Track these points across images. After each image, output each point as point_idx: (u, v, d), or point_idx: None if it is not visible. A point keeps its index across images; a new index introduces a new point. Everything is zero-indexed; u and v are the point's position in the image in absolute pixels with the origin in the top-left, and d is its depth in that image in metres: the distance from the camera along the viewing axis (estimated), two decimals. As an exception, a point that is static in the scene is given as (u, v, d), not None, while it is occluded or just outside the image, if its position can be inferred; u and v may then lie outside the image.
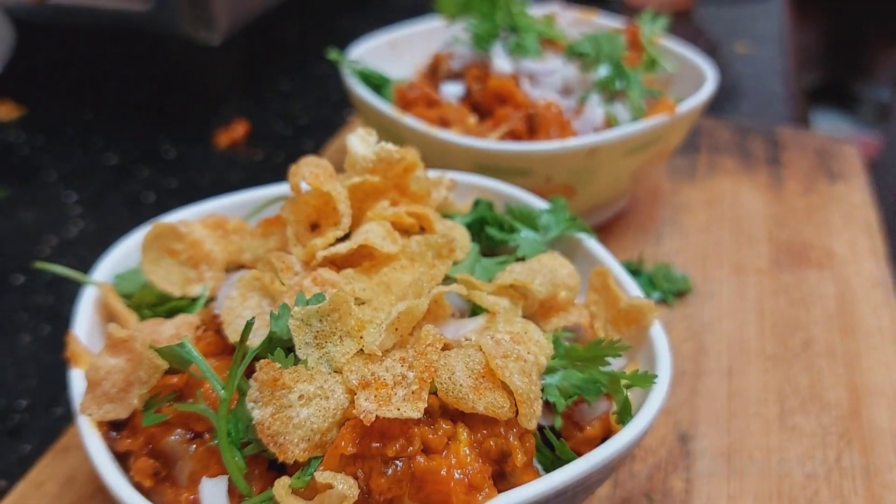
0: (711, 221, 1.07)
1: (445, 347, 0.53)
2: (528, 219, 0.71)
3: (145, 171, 1.22)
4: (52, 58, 1.51)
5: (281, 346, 0.51)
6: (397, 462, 0.46)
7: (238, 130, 1.31)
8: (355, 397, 0.48)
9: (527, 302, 0.61)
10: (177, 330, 0.55)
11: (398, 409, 0.46)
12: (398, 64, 1.11)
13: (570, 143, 0.86)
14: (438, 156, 0.87)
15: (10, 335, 0.90)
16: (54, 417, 0.79)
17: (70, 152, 1.26)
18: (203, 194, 0.78)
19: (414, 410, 0.46)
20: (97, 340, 0.61)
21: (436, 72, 1.01)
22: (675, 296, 0.92)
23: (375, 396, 0.47)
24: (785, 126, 1.31)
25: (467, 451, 0.48)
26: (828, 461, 0.74)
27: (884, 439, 0.76)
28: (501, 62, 0.95)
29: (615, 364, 0.59)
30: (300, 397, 0.48)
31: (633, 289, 0.65)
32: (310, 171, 0.60)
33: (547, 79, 0.95)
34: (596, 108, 0.93)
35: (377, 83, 1.01)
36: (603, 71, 0.95)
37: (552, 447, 0.55)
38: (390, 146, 0.64)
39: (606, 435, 0.57)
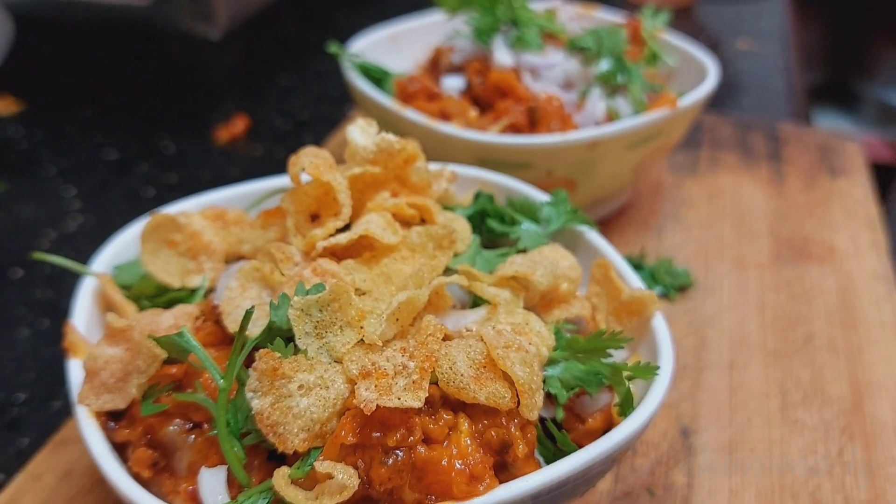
0: (713, 216, 1.07)
1: (446, 338, 0.52)
2: (529, 211, 0.71)
3: (145, 165, 1.22)
4: (52, 53, 1.51)
5: (281, 336, 0.51)
6: (398, 452, 0.46)
7: (238, 126, 1.30)
8: (356, 387, 0.47)
9: (528, 294, 0.60)
10: (175, 320, 0.55)
11: (399, 399, 0.46)
12: (399, 58, 1.11)
13: (572, 136, 0.86)
14: (439, 149, 0.86)
15: (8, 329, 0.90)
16: (52, 411, 0.79)
17: (69, 147, 1.26)
18: (202, 189, 0.77)
19: (415, 400, 0.46)
20: (96, 331, 0.61)
21: (436, 65, 1.01)
22: (676, 290, 0.92)
23: (376, 386, 0.47)
24: (786, 122, 1.31)
25: (468, 442, 0.48)
26: (830, 455, 0.73)
27: (886, 433, 0.75)
28: (502, 56, 0.94)
29: (617, 356, 0.59)
30: (300, 387, 0.47)
31: (634, 281, 0.65)
32: (310, 161, 0.60)
33: (548, 72, 0.95)
34: (597, 102, 0.92)
35: (378, 77, 1.01)
36: (604, 65, 0.95)
37: (553, 439, 0.54)
38: (391, 137, 0.63)
39: (608, 427, 0.57)
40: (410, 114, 0.90)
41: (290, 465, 0.47)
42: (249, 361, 0.50)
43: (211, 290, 0.62)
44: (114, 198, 1.14)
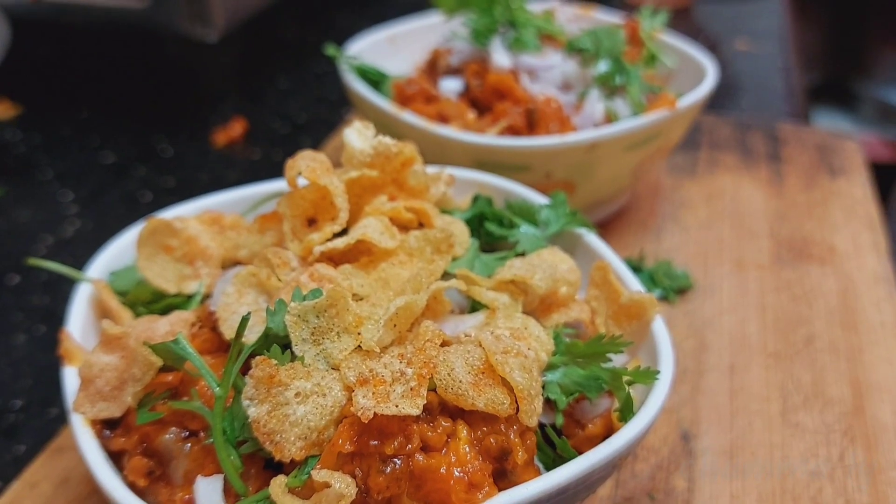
0: (712, 218, 1.06)
1: (444, 343, 0.52)
2: (527, 214, 0.70)
3: (142, 169, 1.21)
4: (49, 56, 1.51)
5: (277, 342, 0.50)
6: (396, 460, 0.45)
7: (236, 129, 1.30)
8: (353, 394, 0.47)
9: (527, 298, 0.60)
10: (171, 327, 0.54)
11: (396, 406, 0.45)
12: (396, 60, 1.10)
13: (570, 138, 0.85)
14: (437, 152, 0.86)
15: (5, 335, 0.89)
16: (49, 418, 0.78)
17: (66, 151, 1.25)
18: (200, 193, 0.77)
19: (413, 407, 0.45)
20: (92, 338, 0.60)
21: (434, 67, 1.01)
22: (675, 292, 0.91)
23: (373, 393, 0.47)
24: (785, 122, 1.31)
25: (467, 449, 0.47)
26: (831, 459, 0.73)
27: (887, 436, 0.75)
28: (500, 57, 0.94)
29: (616, 360, 0.58)
30: (297, 395, 0.47)
31: (634, 284, 0.64)
32: (306, 165, 0.59)
33: (546, 74, 0.94)
34: (596, 104, 0.92)
35: (375, 79, 1.00)
36: (603, 66, 0.95)
37: (553, 445, 0.54)
38: (388, 140, 0.63)
39: (608, 432, 0.56)
40: (408, 116, 0.89)
41: (287, 474, 0.47)
42: (246, 368, 0.49)
43: (207, 296, 0.61)
44: (111, 202, 1.14)
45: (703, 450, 0.73)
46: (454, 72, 0.98)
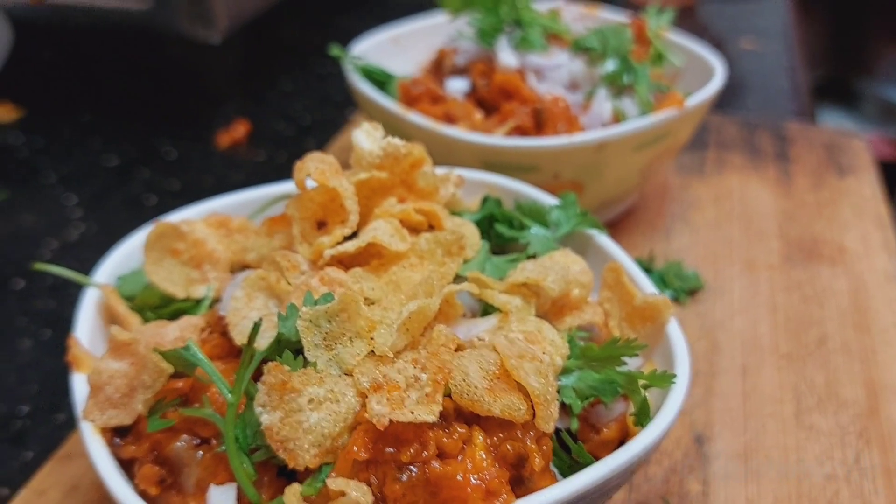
0: (721, 218, 1.06)
1: (458, 348, 0.51)
2: (537, 215, 0.70)
3: (146, 172, 1.21)
4: (51, 58, 1.50)
5: (289, 348, 0.49)
6: (412, 467, 0.45)
7: (239, 130, 1.29)
8: (367, 400, 0.46)
9: (539, 300, 0.59)
10: (181, 332, 0.54)
11: (412, 413, 0.44)
12: (401, 60, 1.10)
13: (579, 138, 0.85)
14: (444, 152, 0.85)
15: (10, 340, 0.88)
16: (56, 424, 0.78)
17: (69, 154, 1.25)
18: (205, 195, 0.76)
19: (428, 414, 0.44)
20: (99, 344, 0.60)
21: (440, 67, 1.00)
22: (686, 294, 0.91)
23: (388, 399, 0.46)
24: (792, 121, 1.30)
25: (483, 456, 0.46)
26: (847, 461, 0.72)
27: (903, 438, 0.74)
28: (507, 57, 0.93)
29: (631, 363, 0.58)
30: (310, 401, 0.46)
31: (647, 285, 0.63)
32: (315, 167, 0.58)
33: (553, 73, 0.93)
34: (603, 103, 0.91)
35: (381, 80, 1.00)
36: (610, 65, 0.94)
37: (569, 450, 0.53)
38: (397, 141, 0.62)
39: (623, 437, 0.56)
40: (415, 117, 0.89)
41: (301, 482, 0.46)
42: (257, 375, 0.48)
43: (216, 300, 0.61)
44: (115, 205, 1.13)
45: (716, 453, 0.72)
46: (460, 72, 0.98)
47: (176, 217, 0.68)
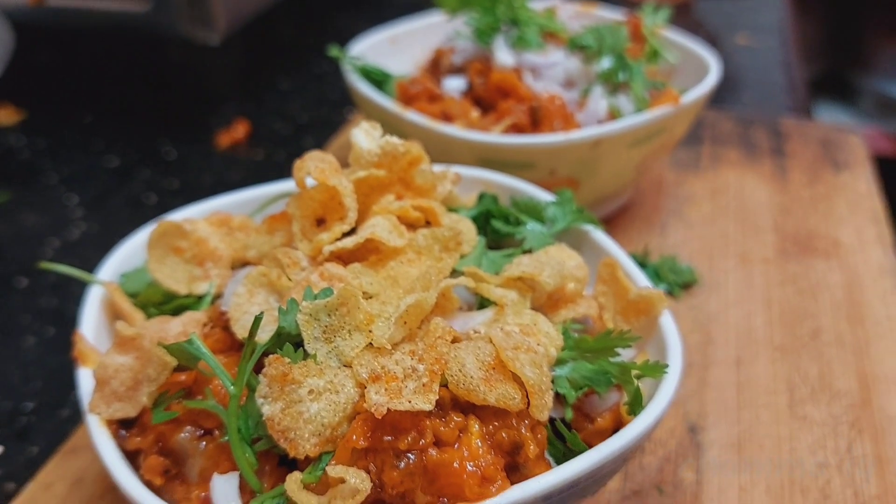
0: (716, 212, 1.07)
1: (454, 340, 0.52)
2: (534, 211, 0.71)
3: (146, 172, 1.22)
4: (51, 60, 1.51)
5: (289, 341, 0.51)
6: (409, 455, 0.46)
7: (238, 130, 1.31)
8: (365, 391, 0.47)
9: (535, 294, 0.60)
10: (184, 327, 0.55)
11: (409, 402, 0.46)
12: (398, 60, 1.11)
13: (574, 135, 0.86)
14: (441, 150, 0.86)
15: (14, 337, 0.90)
16: (61, 419, 0.79)
17: (71, 155, 1.26)
18: (205, 195, 0.77)
19: (425, 403, 0.46)
20: (104, 340, 0.61)
21: (437, 66, 1.01)
22: (681, 287, 0.92)
23: (386, 390, 0.47)
24: (787, 117, 1.31)
25: (479, 444, 0.48)
26: (839, 451, 0.73)
27: (894, 427, 0.75)
28: (503, 55, 0.94)
29: (624, 355, 0.59)
30: (310, 392, 0.47)
31: (641, 279, 0.64)
32: (315, 166, 0.60)
33: (549, 72, 0.95)
34: (599, 101, 0.92)
35: (378, 79, 1.01)
36: (606, 63, 0.95)
37: (563, 439, 0.54)
38: (395, 140, 0.63)
39: (617, 426, 0.57)
40: (412, 116, 0.90)
41: (301, 471, 0.47)
42: (258, 367, 0.50)
43: (218, 297, 0.62)
44: (116, 205, 1.14)
45: (710, 442, 0.74)
46: (457, 71, 0.99)
47: (178, 216, 0.69)
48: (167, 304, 0.63)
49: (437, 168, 0.68)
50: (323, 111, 1.40)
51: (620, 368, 0.56)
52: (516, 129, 0.90)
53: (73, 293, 0.96)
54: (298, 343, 0.51)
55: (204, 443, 0.50)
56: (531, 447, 0.49)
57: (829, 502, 0.68)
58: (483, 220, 0.70)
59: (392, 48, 1.12)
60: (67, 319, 0.93)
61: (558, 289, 0.62)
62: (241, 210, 0.72)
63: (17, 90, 1.37)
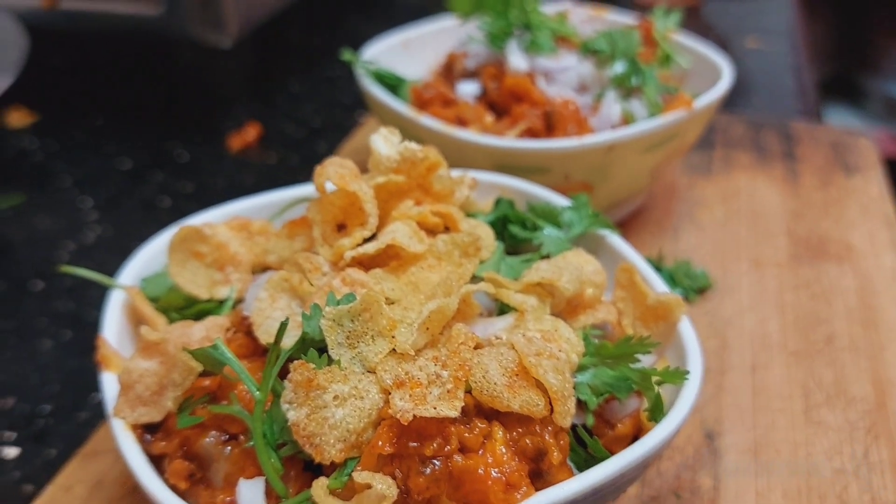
0: (728, 217, 1.07)
1: (477, 346, 0.53)
2: (550, 216, 0.71)
3: (159, 175, 1.22)
4: (63, 63, 1.52)
5: (313, 346, 0.51)
6: (435, 461, 0.46)
7: (250, 133, 1.31)
8: (390, 397, 0.48)
9: (554, 300, 0.61)
10: (207, 332, 0.55)
11: (435, 408, 0.46)
12: (411, 64, 1.11)
13: (589, 139, 0.86)
14: (456, 155, 0.86)
15: (31, 341, 0.90)
16: (79, 422, 0.80)
17: (84, 158, 1.26)
18: (218, 197, 0.78)
19: (451, 409, 0.46)
20: (126, 344, 0.61)
21: (450, 71, 1.01)
22: (695, 292, 0.92)
23: (410, 396, 0.47)
24: (798, 120, 1.31)
25: (503, 450, 0.48)
26: (856, 456, 0.73)
27: (911, 433, 0.75)
28: (517, 60, 0.95)
29: (644, 361, 0.59)
30: (335, 398, 0.48)
31: (659, 285, 0.65)
32: (335, 172, 0.60)
33: (562, 76, 0.95)
34: (612, 105, 0.92)
35: (392, 83, 1.01)
36: (618, 67, 0.95)
37: (584, 445, 0.55)
38: (414, 145, 0.64)
39: (637, 432, 0.57)
40: (427, 120, 0.90)
41: (326, 476, 0.48)
42: (283, 373, 0.50)
43: (239, 301, 0.62)
44: (130, 208, 1.15)
45: (727, 448, 0.74)
46: (470, 75, 0.99)
47: (197, 220, 0.69)
48: (188, 308, 0.63)
49: (455, 173, 0.68)
50: (335, 115, 1.40)
51: (641, 375, 0.56)
52: (530, 133, 0.90)
53: (89, 297, 0.97)
54: (322, 349, 0.51)
55: (229, 448, 0.51)
56: (555, 453, 0.49)
57: (846, 508, 0.68)
58: (500, 226, 0.71)
59: (404, 52, 1.12)
60: (84, 323, 0.93)
61: (577, 294, 0.62)
62: (259, 214, 0.72)
63: (29, 93, 1.37)
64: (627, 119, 0.93)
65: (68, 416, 0.80)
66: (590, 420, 0.55)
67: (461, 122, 0.91)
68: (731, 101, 1.37)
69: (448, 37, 1.12)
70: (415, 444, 0.46)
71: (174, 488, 0.50)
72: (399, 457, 0.47)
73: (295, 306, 0.57)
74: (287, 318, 0.50)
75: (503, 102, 0.94)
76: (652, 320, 0.62)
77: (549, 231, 0.69)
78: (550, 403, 0.50)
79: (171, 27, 1.29)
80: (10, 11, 1.25)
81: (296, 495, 0.48)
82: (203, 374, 0.53)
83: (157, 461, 0.53)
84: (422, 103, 0.96)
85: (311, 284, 0.57)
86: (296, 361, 0.49)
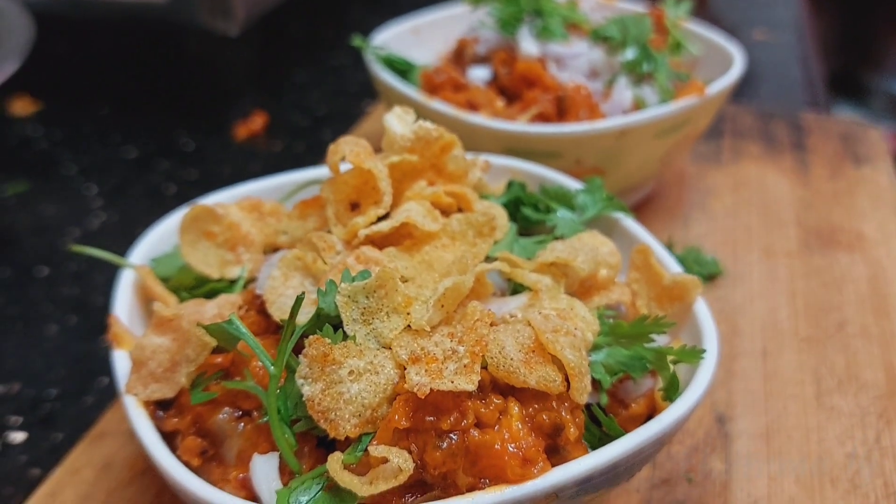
0: (739, 205, 1.06)
1: (492, 324, 0.52)
2: (563, 199, 0.71)
3: (165, 163, 1.22)
4: (68, 51, 1.51)
5: (328, 322, 0.50)
6: (451, 436, 0.46)
7: (256, 122, 1.30)
8: (406, 372, 0.47)
9: (568, 280, 0.60)
10: (219, 309, 0.55)
11: (452, 382, 0.45)
12: (421, 50, 1.11)
13: (601, 124, 0.85)
14: (467, 140, 0.85)
15: (37, 326, 0.90)
16: (85, 406, 0.79)
17: (89, 146, 1.26)
18: (224, 185, 0.77)
19: (468, 383, 0.46)
20: (136, 323, 0.61)
21: (461, 56, 1.01)
22: (705, 279, 0.91)
23: (426, 371, 0.47)
24: (806, 111, 1.30)
25: (520, 426, 0.47)
26: (868, 441, 0.73)
27: (924, 419, 0.75)
28: (528, 45, 0.94)
29: (658, 341, 0.58)
30: (350, 373, 0.47)
31: (674, 266, 0.64)
32: (350, 149, 0.59)
33: (573, 62, 0.94)
34: (624, 91, 0.92)
35: (402, 69, 1.01)
36: (630, 54, 0.95)
37: (598, 423, 0.54)
38: (428, 124, 0.63)
39: (651, 412, 0.57)
40: (438, 105, 0.89)
41: (340, 452, 0.47)
42: (297, 349, 0.49)
43: (250, 281, 0.62)
44: (136, 195, 1.14)
45: (738, 432, 0.73)
46: (481, 60, 0.99)
47: (209, 200, 0.69)
48: (199, 288, 0.63)
49: (467, 156, 0.68)
50: (341, 103, 1.40)
51: (656, 354, 0.56)
52: (542, 118, 0.90)
53: (95, 281, 0.97)
54: (337, 325, 0.50)
55: (242, 424, 0.50)
56: (571, 429, 0.48)
57: (858, 492, 0.68)
58: (512, 208, 0.70)
59: (414, 38, 1.11)
60: (89, 307, 0.93)
61: (591, 275, 0.61)
62: (270, 197, 0.72)
63: (34, 81, 1.37)
64: (639, 105, 0.92)
65: (74, 400, 0.80)
66: (604, 399, 0.55)
67: (472, 106, 0.91)
68: (739, 92, 1.36)
69: (457, 23, 1.12)
70: (431, 418, 0.46)
71: (187, 465, 0.50)
72: (415, 431, 0.46)
73: (308, 284, 0.56)
74: (304, 293, 0.50)
75: (514, 87, 0.93)
76: (667, 301, 0.62)
77: (562, 213, 0.69)
78: (567, 380, 0.49)
79: (177, 15, 1.29)
80: (16, -3, 1.25)
81: (310, 471, 0.47)
82: (215, 352, 0.52)
83: (169, 438, 0.52)
84: (432, 88, 0.95)
85: (325, 263, 0.56)
86: (311, 336, 0.48)
